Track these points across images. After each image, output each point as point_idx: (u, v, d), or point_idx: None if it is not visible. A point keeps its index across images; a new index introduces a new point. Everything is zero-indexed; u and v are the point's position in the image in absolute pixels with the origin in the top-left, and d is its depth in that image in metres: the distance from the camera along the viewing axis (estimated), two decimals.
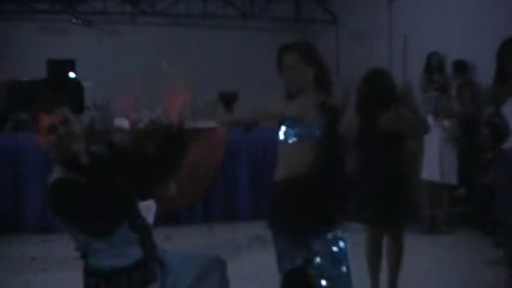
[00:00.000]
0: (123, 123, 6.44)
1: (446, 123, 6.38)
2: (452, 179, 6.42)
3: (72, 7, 10.72)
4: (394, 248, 4.15)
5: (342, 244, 2.99)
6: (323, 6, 11.51)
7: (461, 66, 7.20)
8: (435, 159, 6.41)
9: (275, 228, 3.15)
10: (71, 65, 8.22)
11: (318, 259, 2.95)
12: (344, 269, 2.98)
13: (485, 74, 4.16)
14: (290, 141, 3.02)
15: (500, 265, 4.66)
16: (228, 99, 8.76)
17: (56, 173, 2.46)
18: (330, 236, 2.97)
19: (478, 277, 4.70)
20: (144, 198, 2.71)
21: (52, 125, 2.45)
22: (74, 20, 10.47)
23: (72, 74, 8.01)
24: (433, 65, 7.60)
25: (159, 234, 3.19)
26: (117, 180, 2.46)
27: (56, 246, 5.89)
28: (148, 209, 3.05)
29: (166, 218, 5.80)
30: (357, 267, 3.77)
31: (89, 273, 2.54)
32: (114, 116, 6.87)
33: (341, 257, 2.99)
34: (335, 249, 2.96)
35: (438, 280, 4.74)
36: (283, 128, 3.06)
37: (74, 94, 7.48)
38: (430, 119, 6.20)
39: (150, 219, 3.15)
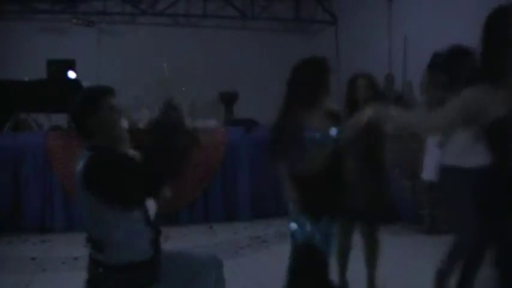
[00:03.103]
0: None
1: None
2: None
3: (72, 7, 10.73)
4: (369, 244, 4.24)
5: None
6: (323, 7, 11.51)
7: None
8: (435, 160, 6.41)
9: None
10: (71, 65, 8.21)
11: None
12: None
13: None
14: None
15: None
16: (228, 99, 8.78)
17: (88, 154, 2.53)
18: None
19: (478, 276, 4.68)
20: (152, 194, 2.72)
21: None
22: (74, 20, 10.48)
23: (72, 74, 8.01)
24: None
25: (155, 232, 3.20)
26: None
27: (56, 246, 5.90)
28: (149, 209, 3.05)
29: (166, 218, 5.80)
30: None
31: (96, 264, 2.55)
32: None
33: None
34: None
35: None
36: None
37: (73, 94, 7.47)
38: None
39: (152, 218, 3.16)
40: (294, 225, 3.33)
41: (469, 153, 3.47)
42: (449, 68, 3.95)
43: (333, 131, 3.33)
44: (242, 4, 11.44)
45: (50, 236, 6.25)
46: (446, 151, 3.83)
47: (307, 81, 3.30)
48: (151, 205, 3.78)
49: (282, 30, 12.02)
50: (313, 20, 11.88)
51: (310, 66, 3.33)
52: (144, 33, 11.03)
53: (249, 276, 4.73)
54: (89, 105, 2.58)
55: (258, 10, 11.51)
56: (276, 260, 5.20)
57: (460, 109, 2.96)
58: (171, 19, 11.49)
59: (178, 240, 5.79)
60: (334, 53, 10.62)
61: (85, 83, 8.08)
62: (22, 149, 6.54)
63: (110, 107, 2.58)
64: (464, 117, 2.95)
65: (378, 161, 4.15)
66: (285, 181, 3.34)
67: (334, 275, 4.32)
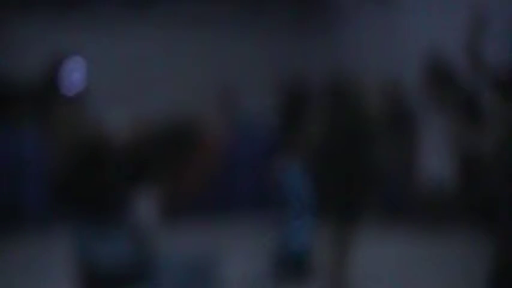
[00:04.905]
0: None
1: None
2: None
3: (73, 7, 10.74)
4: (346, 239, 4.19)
5: None
6: (322, 7, 11.50)
7: None
8: (435, 155, 6.44)
9: None
10: (71, 65, 8.24)
11: None
12: None
13: None
14: None
15: None
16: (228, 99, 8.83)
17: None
18: None
19: (479, 275, 4.66)
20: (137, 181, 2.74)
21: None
22: (74, 20, 10.49)
23: (72, 74, 8.03)
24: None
25: (159, 232, 3.22)
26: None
27: (56, 246, 5.90)
28: (146, 208, 3.06)
29: (167, 214, 5.81)
30: None
31: (81, 265, 2.57)
32: None
33: None
34: None
35: (438, 278, 4.74)
36: None
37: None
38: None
39: (149, 218, 3.17)
40: None
41: None
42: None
43: None
44: (239, 4, 11.43)
45: (50, 236, 6.24)
46: None
47: None
48: (148, 208, 3.81)
49: (280, 30, 12.01)
50: (312, 20, 11.87)
51: None
52: (145, 32, 11.02)
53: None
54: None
55: (256, 10, 11.50)
56: None
57: None
58: (171, 19, 11.48)
59: (179, 238, 5.80)
60: (333, 55, 10.62)
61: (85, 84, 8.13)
62: (23, 146, 6.56)
63: (63, 115, 2.63)
64: None
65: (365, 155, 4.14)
66: None
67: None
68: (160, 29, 11.19)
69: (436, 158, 6.48)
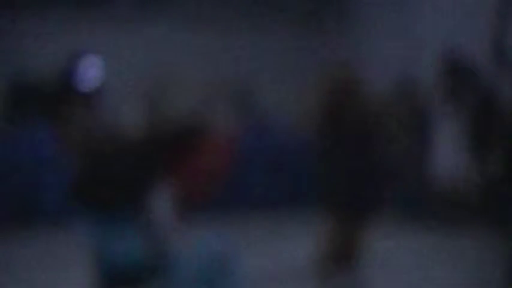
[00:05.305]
0: None
1: None
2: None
3: (89, 5, 10.79)
4: (352, 239, 4.14)
5: None
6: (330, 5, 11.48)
7: None
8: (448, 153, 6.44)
9: None
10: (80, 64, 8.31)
11: None
12: None
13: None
14: None
15: None
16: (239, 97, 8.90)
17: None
18: None
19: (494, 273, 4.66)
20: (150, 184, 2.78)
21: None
22: (90, 18, 10.54)
23: (83, 73, 8.11)
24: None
25: (176, 229, 3.25)
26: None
27: (72, 244, 5.95)
28: (163, 205, 3.10)
29: (183, 211, 5.86)
30: None
31: (97, 266, 2.62)
32: None
33: None
34: None
35: (453, 276, 4.73)
36: None
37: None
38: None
39: (165, 215, 3.21)
40: None
41: None
42: None
43: None
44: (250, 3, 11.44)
45: (62, 233, 6.28)
46: None
47: None
48: (164, 205, 3.86)
49: (288, 28, 11.99)
50: (318, 18, 11.83)
51: None
52: (146, 32, 11.03)
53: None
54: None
55: (264, 8, 11.49)
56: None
57: None
58: (174, 19, 11.48)
59: (187, 236, 5.82)
60: (347, 52, 10.60)
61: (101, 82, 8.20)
62: (40, 143, 6.63)
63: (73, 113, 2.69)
64: None
65: (369, 143, 4.13)
66: None
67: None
68: (175, 27, 11.24)
69: (452, 156, 6.48)
